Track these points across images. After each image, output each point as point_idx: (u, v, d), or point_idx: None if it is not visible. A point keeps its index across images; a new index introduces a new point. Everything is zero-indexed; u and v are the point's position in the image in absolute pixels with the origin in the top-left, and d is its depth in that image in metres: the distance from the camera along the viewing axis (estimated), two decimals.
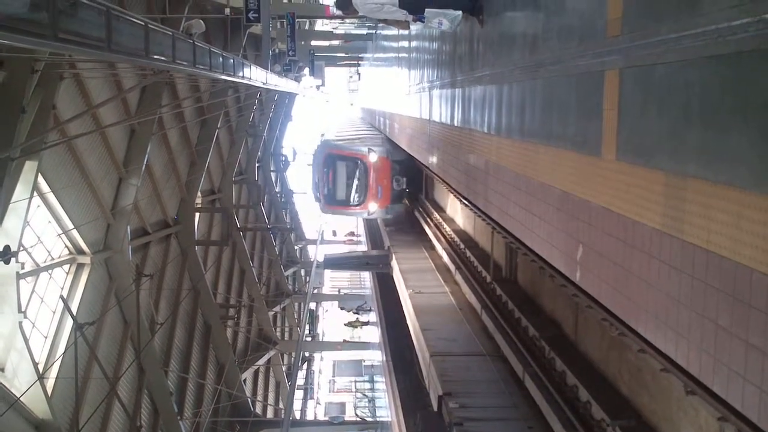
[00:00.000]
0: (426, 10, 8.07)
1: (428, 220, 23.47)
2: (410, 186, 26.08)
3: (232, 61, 12.77)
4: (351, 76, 69.57)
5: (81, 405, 17.00)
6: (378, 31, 34.36)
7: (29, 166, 14.38)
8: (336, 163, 25.13)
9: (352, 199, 25.24)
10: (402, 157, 23.67)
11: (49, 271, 17.83)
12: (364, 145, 26.33)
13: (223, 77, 12.14)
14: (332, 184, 25.30)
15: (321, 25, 55.08)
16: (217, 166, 33.82)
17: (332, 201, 25.63)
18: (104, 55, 5.40)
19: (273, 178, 52.46)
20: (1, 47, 10.75)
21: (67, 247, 18.64)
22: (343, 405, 58.17)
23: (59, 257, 18.29)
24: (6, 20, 3.72)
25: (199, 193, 29.24)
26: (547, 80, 5.78)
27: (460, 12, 8.10)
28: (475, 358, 13.01)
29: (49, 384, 15.97)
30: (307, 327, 49.76)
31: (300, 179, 57.55)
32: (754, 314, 3.13)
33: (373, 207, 24.81)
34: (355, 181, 24.95)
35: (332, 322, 66.00)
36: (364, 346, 47.10)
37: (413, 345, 16.64)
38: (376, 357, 43.89)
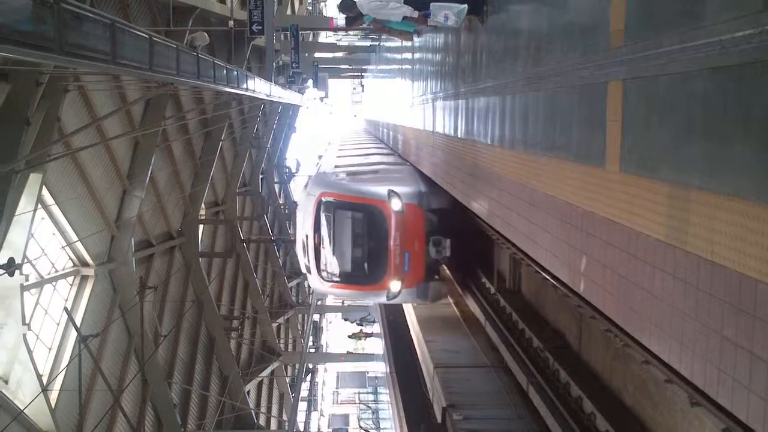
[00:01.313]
0: (431, 4, 8.10)
1: None
2: (458, 253, 15.91)
3: (235, 73, 12.82)
4: (354, 88, 69.71)
5: (84, 417, 16.99)
6: (381, 43, 34.44)
7: (33, 179, 14.43)
8: (335, 215, 15.84)
9: (361, 274, 15.88)
10: (444, 203, 15.02)
11: (53, 283, 17.85)
12: (381, 181, 16.50)
13: (227, 89, 12.19)
14: (329, 248, 15.97)
15: (324, 37, 55.24)
16: (220, 178, 33.86)
17: (330, 274, 16.28)
18: (109, 68, 5.43)
19: (277, 190, 52.51)
20: (6, 60, 10.82)
21: (71, 259, 18.66)
22: (346, 417, 58.13)
23: (63, 269, 18.31)
24: (11, 34, 3.73)
25: (202, 205, 29.28)
26: (551, 91, 5.79)
27: (465, 6, 8.10)
28: (479, 370, 12.99)
29: (53, 396, 15.97)
30: (311, 338, 49.67)
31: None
32: (758, 325, 3.12)
33: (396, 286, 15.28)
34: (367, 245, 15.65)
35: (336, 334, 65.99)
36: (367, 357, 47.01)
37: (417, 356, 16.62)
38: (379, 368, 43.81)
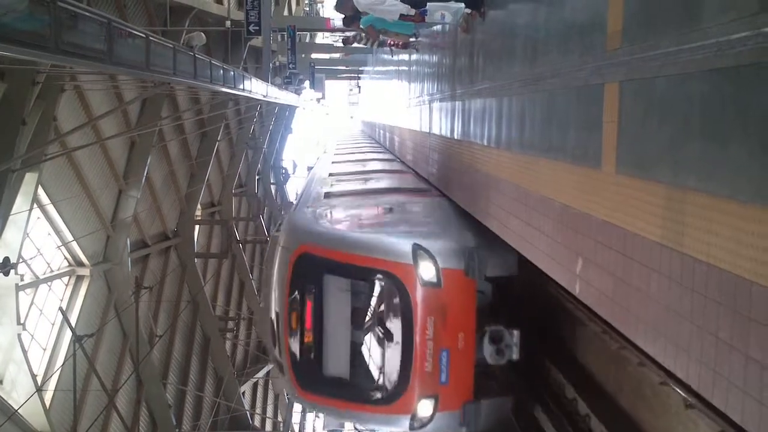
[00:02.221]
0: (428, 3, 8.10)
1: None
2: (530, 348, 9.55)
3: (232, 73, 12.83)
4: (351, 89, 69.77)
5: (79, 417, 16.95)
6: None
7: (29, 178, 14.42)
8: (324, 285, 9.54)
9: (366, 386, 9.67)
10: (508, 266, 9.29)
11: (49, 283, 17.82)
12: (400, 225, 10.61)
13: (224, 90, 12.19)
14: (314, 339, 9.72)
15: (321, 38, 55.31)
16: (216, 178, 33.85)
17: (315, 383, 9.84)
18: (105, 68, 5.43)
19: (273, 191, 52.49)
20: (2, 59, 10.80)
21: (66, 259, 18.63)
22: None
23: (58, 269, 18.28)
24: (7, 32, 3.73)
25: (198, 206, 29.28)
26: (547, 93, 5.79)
27: (462, 4, 8.12)
28: None
29: (48, 396, 15.94)
30: None
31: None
32: (753, 327, 3.12)
33: (426, 408, 9.22)
34: (376, 338, 9.52)
35: None
36: None
37: None
38: None
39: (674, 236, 3.74)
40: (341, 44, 34.71)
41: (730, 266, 3.27)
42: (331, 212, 11.22)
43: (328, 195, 12.61)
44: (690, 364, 3.65)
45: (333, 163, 20.01)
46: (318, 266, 9.39)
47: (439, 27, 10.86)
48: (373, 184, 14.47)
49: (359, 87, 58.38)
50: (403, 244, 9.00)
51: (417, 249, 8.87)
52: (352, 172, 17.30)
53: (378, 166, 18.52)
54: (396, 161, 19.28)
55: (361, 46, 14.55)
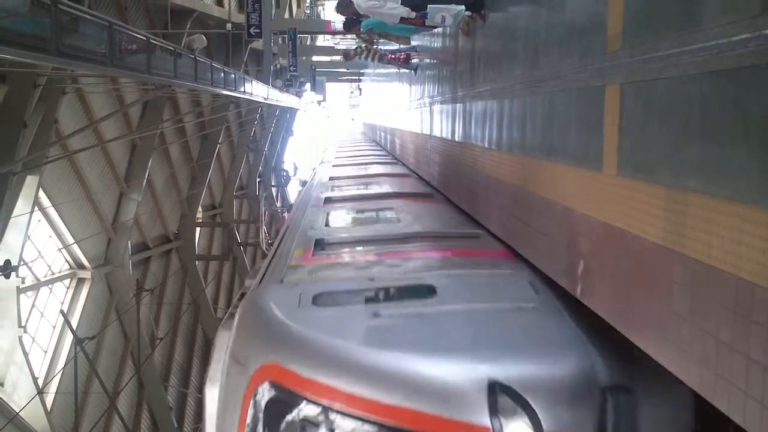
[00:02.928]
0: (429, 6, 8.11)
1: None
2: None
3: (233, 76, 12.85)
4: (352, 92, 69.80)
5: (80, 420, 16.96)
6: (379, 47, 34.34)
7: (30, 181, 14.43)
8: None
9: None
10: (676, 423, 4.35)
11: (50, 286, 17.83)
12: (454, 339, 4.65)
13: (225, 92, 12.20)
14: None
15: (322, 40, 55.35)
16: (218, 181, 33.86)
17: None
18: (106, 70, 5.43)
19: (274, 193, 52.49)
20: (3, 61, 10.82)
21: (67, 261, 18.64)
22: None
23: (60, 272, 18.29)
24: (8, 35, 3.73)
25: (199, 208, 29.29)
26: (548, 95, 5.79)
27: (462, 7, 8.13)
28: None
29: (49, 399, 15.94)
30: None
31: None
32: (755, 329, 3.12)
33: None
34: None
35: None
36: None
37: None
38: None
39: (675, 238, 3.73)
40: (341, 56, 34.78)
41: (732, 268, 3.27)
42: (326, 295, 5.64)
43: (321, 245, 7.69)
44: (691, 366, 3.65)
45: (331, 179, 15.06)
46: (296, 411, 4.42)
47: (439, 30, 10.86)
48: (391, 226, 8.91)
49: (360, 89, 58.39)
50: (468, 379, 4.28)
51: (497, 390, 4.22)
52: (357, 197, 12.13)
53: (391, 186, 13.05)
54: (414, 177, 14.82)
55: (361, 60, 14.57)
